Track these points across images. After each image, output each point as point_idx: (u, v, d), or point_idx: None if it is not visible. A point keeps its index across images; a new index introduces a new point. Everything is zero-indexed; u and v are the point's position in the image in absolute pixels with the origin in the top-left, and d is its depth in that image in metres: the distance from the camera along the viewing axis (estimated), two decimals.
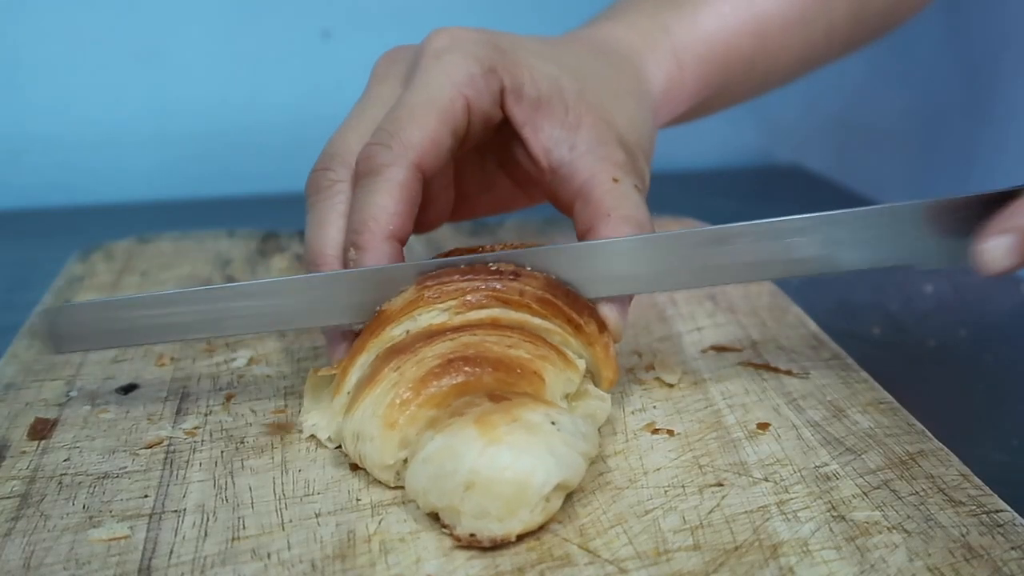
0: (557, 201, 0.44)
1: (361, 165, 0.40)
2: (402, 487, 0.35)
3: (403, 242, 0.40)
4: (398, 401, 0.35)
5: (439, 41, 0.43)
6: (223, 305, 0.39)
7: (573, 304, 0.39)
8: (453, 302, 0.38)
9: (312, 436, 0.39)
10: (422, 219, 0.45)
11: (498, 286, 0.38)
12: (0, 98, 0.83)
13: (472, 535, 0.32)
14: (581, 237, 0.42)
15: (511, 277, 0.38)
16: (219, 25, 0.85)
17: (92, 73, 0.84)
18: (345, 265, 0.40)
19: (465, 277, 0.38)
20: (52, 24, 0.82)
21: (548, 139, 0.43)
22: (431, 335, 0.37)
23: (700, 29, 0.52)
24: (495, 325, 0.37)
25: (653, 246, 0.40)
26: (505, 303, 0.38)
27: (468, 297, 0.38)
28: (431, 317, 0.38)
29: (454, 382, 0.35)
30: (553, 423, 0.33)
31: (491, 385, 0.35)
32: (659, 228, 0.62)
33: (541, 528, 0.33)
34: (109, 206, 0.84)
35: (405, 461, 0.35)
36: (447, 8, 0.87)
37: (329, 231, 0.40)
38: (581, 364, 0.38)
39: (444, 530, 0.33)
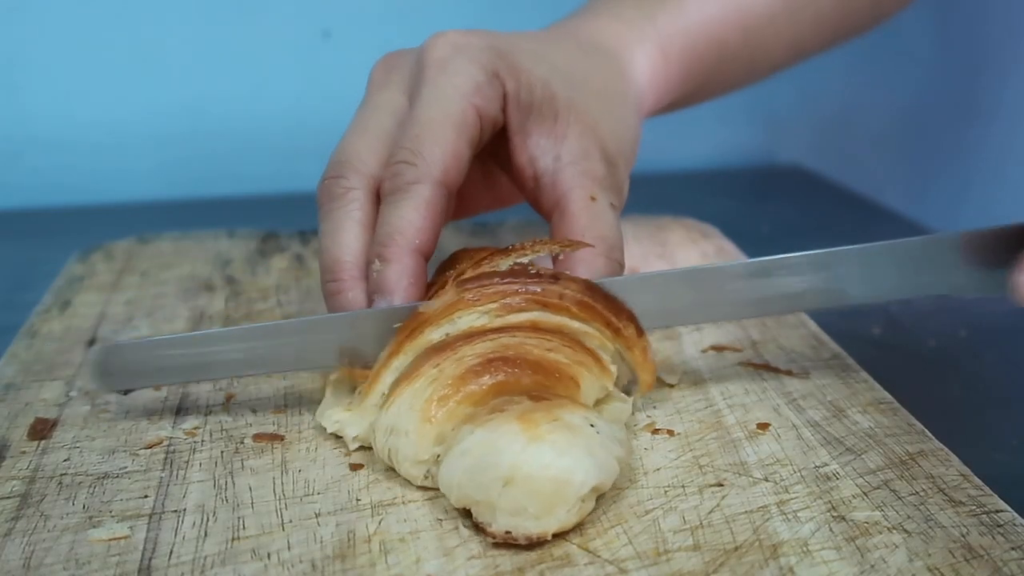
0: (538, 208, 0.44)
1: (388, 183, 0.41)
2: (427, 487, 0.35)
3: (427, 258, 0.40)
4: (437, 396, 0.35)
5: (440, 49, 0.43)
6: (274, 342, 0.39)
7: (612, 308, 0.39)
8: (493, 305, 0.38)
9: (327, 434, 0.38)
10: None
11: (538, 289, 0.38)
12: (0, 97, 0.83)
13: (508, 532, 0.32)
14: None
15: (551, 280, 0.38)
16: (219, 25, 0.85)
17: (92, 73, 0.84)
18: (368, 277, 0.40)
19: (505, 280, 0.38)
20: (52, 24, 0.82)
21: (535, 147, 0.43)
22: (471, 336, 0.37)
23: (686, 19, 0.52)
24: (535, 328, 0.37)
25: (690, 279, 0.41)
26: (544, 306, 0.38)
27: (508, 300, 0.38)
28: (471, 320, 0.38)
29: (493, 381, 0.35)
30: (592, 426, 0.34)
31: (529, 387, 0.36)
32: (659, 227, 0.63)
33: None
34: (109, 206, 0.84)
35: (437, 458, 0.35)
36: (447, 8, 0.88)
37: (346, 238, 0.41)
38: (614, 370, 0.38)
39: (476, 528, 0.33)
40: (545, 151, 0.43)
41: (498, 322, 0.38)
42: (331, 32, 0.87)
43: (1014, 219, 0.40)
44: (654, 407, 0.41)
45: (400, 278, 0.39)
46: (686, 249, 0.60)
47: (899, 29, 0.95)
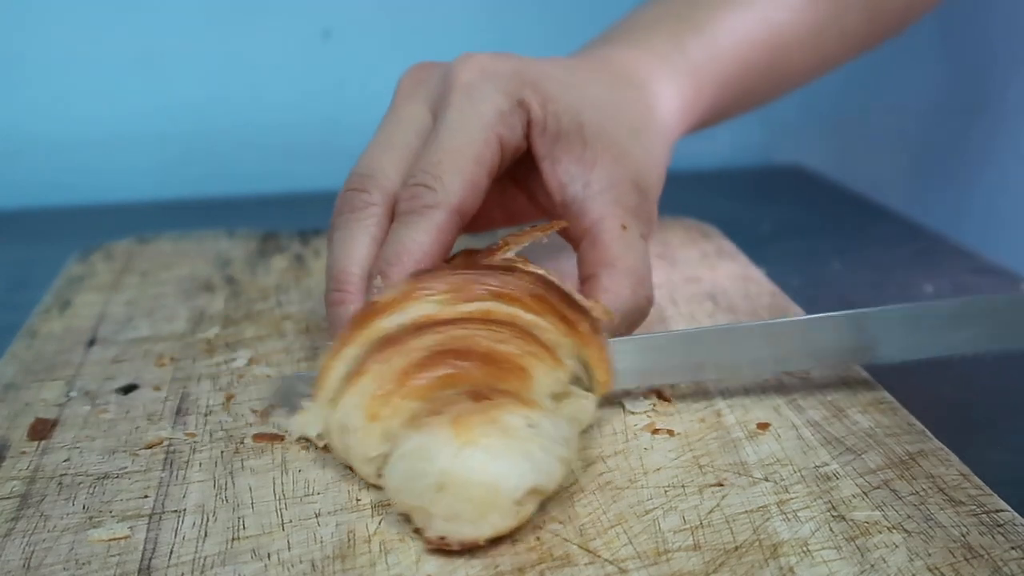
0: (565, 235, 0.45)
1: (405, 203, 0.41)
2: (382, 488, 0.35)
3: None
4: (381, 392, 0.35)
5: (467, 73, 0.44)
6: None
7: (567, 302, 0.38)
8: (445, 296, 0.37)
9: (303, 438, 0.38)
10: None
11: (491, 280, 0.38)
12: (0, 97, 0.83)
13: (442, 537, 0.31)
14: (583, 279, 0.43)
15: (504, 271, 0.38)
16: (219, 25, 0.85)
17: (92, 72, 0.84)
18: (368, 291, 0.40)
19: (457, 271, 0.38)
20: (52, 23, 0.82)
21: (564, 174, 0.44)
22: (420, 328, 0.36)
23: (717, 47, 0.52)
24: (486, 320, 0.37)
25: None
26: (498, 297, 0.38)
27: (461, 290, 0.37)
28: (423, 309, 0.37)
29: (438, 374, 0.35)
30: (531, 426, 0.33)
31: (477, 379, 0.35)
32: (659, 227, 0.63)
33: (540, 528, 0.33)
34: (109, 206, 0.84)
35: (386, 457, 0.34)
36: (447, 9, 0.87)
37: (359, 251, 0.41)
38: (569, 363, 0.38)
39: (415, 533, 0.32)
40: (574, 178, 0.44)
41: (449, 311, 0.37)
42: (331, 32, 0.87)
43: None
44: (654, 408, 0.41)
45: None
46: (686, 249, 0.60)
47: None
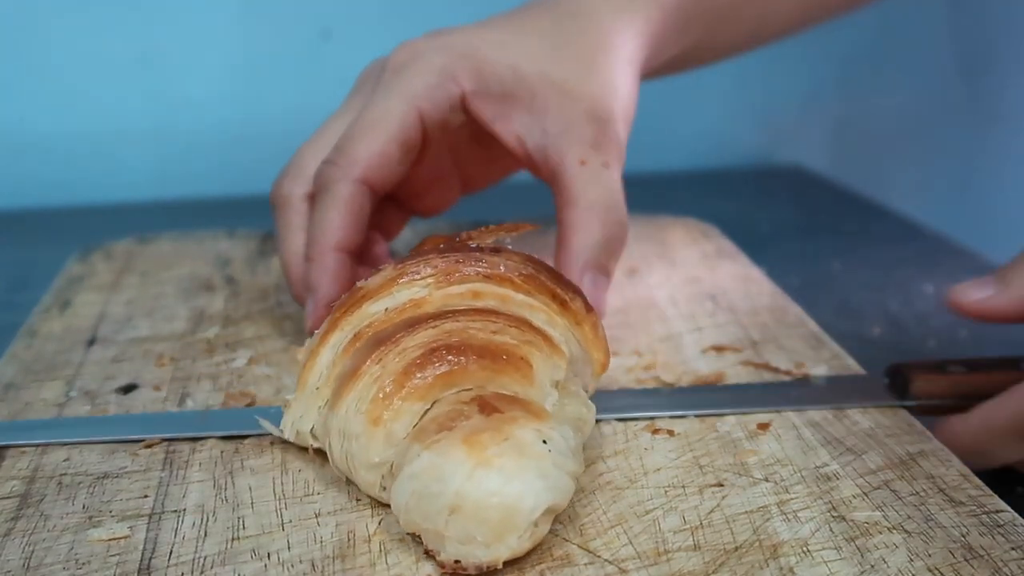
0: (542, 179, 0.45)
1: (316, 183, 0.43)
2: (386, 503, 0.34)
3: (351, 252, 0.42)
4: (381, 395, 0.34)
5: (400, 56, 0.45)
6: None
7: (557, 280, 0.38)
8: (432, 279, 0.37)
9: (298, 438, 0.37)
10: (422, 207, 0.49)
11: (478, 262, 0.37)
12: (0, 97, 0.83)
13: (457, 561, 0.30)
14: (558, 224, 0.43)
15: (491, 252, 0.37)
16: (219, 25, 0.85)
17: (93, 73, 0.84)
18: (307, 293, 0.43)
19: (444, 254, 0.37)
20: (53, 23, 0.82)
21: (519, 127, 0.44)
22: (412, 323, 0.35)
23: None
24: (478, 311, 0.36)
25: None
26: (487, 278, 0.37)
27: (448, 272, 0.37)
28: (411, 293, 0.37)
29: (437, 372, 0.34)
30: (545, 442, 0.32)
31: (476, 374, 0.34)
32: (659, 227, 0.63)
33: None
34: (109, 206, 0.84)
35: (392, 468, 0.33)
36: (447, 9, 0.87)
37: (291, 246, 0.44)
38: (566, 349, 0.37)
39: (427, 554, 0.32)
40: (530, 128, 0.44)
41: (439, 294, 0.36)
42: (331, 32, 0.87)
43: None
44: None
45: (321, 276, 0.42)
46: (686, 249, 0.60)
47: (902, 29, 0.95)
